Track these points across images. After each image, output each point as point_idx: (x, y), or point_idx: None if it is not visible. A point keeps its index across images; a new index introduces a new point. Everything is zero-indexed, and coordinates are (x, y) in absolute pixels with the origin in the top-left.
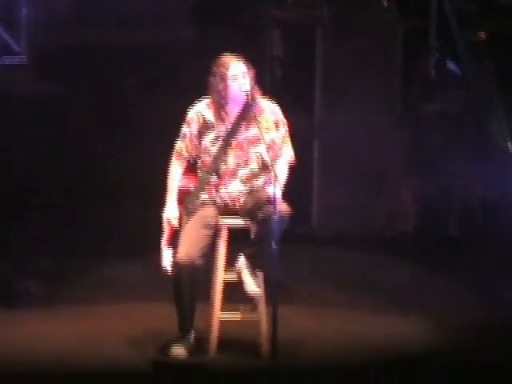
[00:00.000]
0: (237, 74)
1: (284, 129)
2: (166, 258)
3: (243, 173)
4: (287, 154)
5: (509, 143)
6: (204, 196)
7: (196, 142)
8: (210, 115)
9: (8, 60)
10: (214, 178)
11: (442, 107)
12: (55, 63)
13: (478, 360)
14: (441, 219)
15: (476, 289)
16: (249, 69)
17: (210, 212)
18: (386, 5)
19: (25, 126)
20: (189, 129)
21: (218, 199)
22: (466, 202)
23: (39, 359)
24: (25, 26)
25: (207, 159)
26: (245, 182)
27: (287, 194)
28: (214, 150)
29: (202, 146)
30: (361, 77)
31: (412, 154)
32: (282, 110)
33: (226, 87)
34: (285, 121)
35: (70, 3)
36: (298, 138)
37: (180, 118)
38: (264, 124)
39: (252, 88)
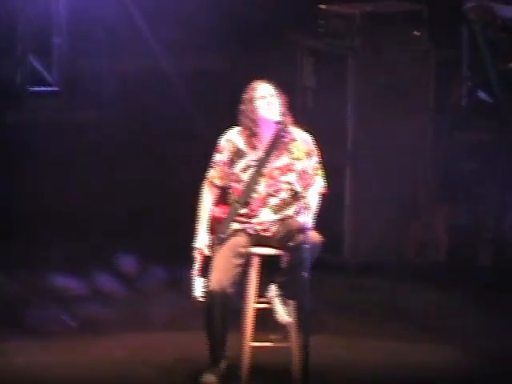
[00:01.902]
0: (264, 94)
1: (316, 158)
2: (198, 287)
3: (274, 202)
4: (319, 184)
5: None
6: (235, 224)
7: (227, 169)
8: (241, 143)
9: (41, 89)
10: (244, 207)
11: (475, 136)
12: (87, 91)
13: None
14: (472, 248)
15: (505, 318)
16: (279, 94)
17: (241, 241)
18: (418, 35)
19: (58, 154)
20: (220, 156)
21: (249, 228)
22: (499, 232)
23: None
24: (56, 55)
25: (238, 187)
26: (276, 211)
27: (319, 223)
28: (245, 177)
29: (233, 174)
30: (393, 107)
31: (445, 181)
32: (314, 140)
33: (254, 109)
34: (317, 151)
35: (102, 31)
36: (329, 167)
37: (213, 147)
38: (296, 153)
39: (283, 115)
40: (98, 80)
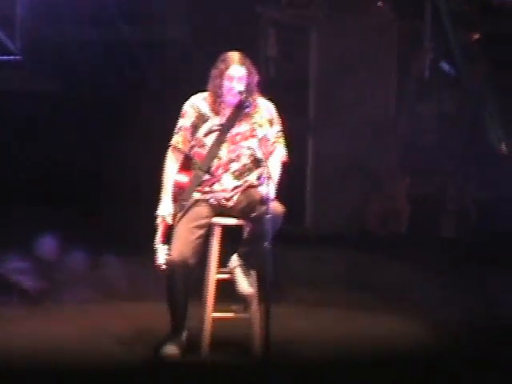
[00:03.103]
0: (233, 76)
1: (278, 127)
2: (161, 255)
3: (235, 167)
4: (280, 152)
5: (502, 142)
6: (197, 194)
7: (190, 135)
8: (205, 108)
9: (3, 59)
10: (207, 173)
11: (438, 107)
12: (51, 61)
13: (470, 360)
14: (434, 219)
15: (469, 288)
16: (251, 72)
17: (203, 211)
18: (382, 6)
19: (19, 124)
20: (184, 121)
21: (211, 197)
22: (460, 202)
23: (28, 357)
24: (20, 24)
25: (201, 152)
26: (237, 176)
27: (281, 194)
28: (207, 142)
29: (196, 139)
30: (355, 76)
31: (406, 153)
32: (276, 110)
33: (221, 85)
34: (279, 119)
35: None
36: (291, 136)
37: (177, 114)
38: (258, 120)
39: (250, 90)
40: (61, 49)
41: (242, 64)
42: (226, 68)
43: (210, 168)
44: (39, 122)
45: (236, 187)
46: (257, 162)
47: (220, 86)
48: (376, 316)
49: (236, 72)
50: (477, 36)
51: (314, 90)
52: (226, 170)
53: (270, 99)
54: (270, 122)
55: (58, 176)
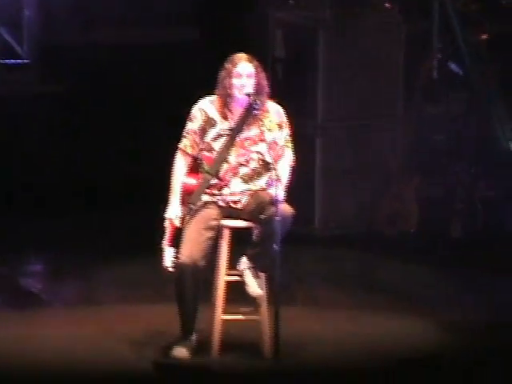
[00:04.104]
0: (242, 73)
1: (287, 131)
2: (168, 257)
3: (244, 171)
4: (289, 156)
5: (510, 143)
6: (206, 196)
7: (199, 138)
8: (213, 112)
9: (11, 62)
10: (216, 177)
11: (446, 107)
12: (58, 64)
13: (479, 360)
14: (443, 219)
15: (477, 289)
16: (259, 71)
17: (212, 213)
18: (388, 7)
19: (26, 127)
20: (192, 125)
21: (220, 200)
22: (468, 202)
23: (39, 360)
24: (27, 27)
25: (209, 156)
26: (246, 181)
27: (290, 195)
28: (216, 147)
29: (205, 143)
30: (363, 78)
31: (415, 154)
32: (285, 112)
33: (230, 84)
34: (288, 123)
35: (72, 3)
36: (299, 138)
37: (185, 117)
38: (267, 124)
39: (258, 90)
40: (68, 52)
41: (250, 62)
42: (234, 66)
43: (218, 172)
44: (48, 124)
45: (245, 191)
46: (266, 166)
47: (229, 86)
48: (387, 316)
49: (244, 69)
50: (485, 36)
51: (322, 91)
52: (235, 175)
53: (279, 101)
54: (280, 126)
55: (70, 178)
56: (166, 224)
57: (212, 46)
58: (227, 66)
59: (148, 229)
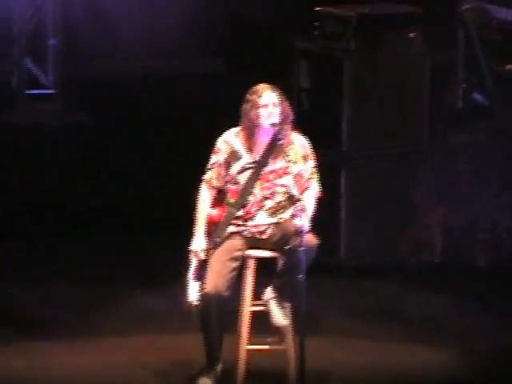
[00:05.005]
0: (267, 103)
1: (312, 163)
2: (193, 291)
3: (270, 205)
4: (315, 188)
5: None
6: (231, 227)
7: (224, 171)
8: (238, 144)
9: (36, 93)
10: (240, 211)
11: (470, 137)
12: (83, 95)
13: None
14: (468, 249)
15: (504, 319)
16: (283, 100)
17: (237, 243)
18: (414, 37)
19: (51, 157)
20: (217, 158)
21: (244, 231)
22: (493, 232)
23: None
24: (52, 57)
25: (234, 189)
26: (271, 214)
27: (315, 225)
28: (241, 180)
29: (230, 176)
30: (388, 107)
31: (440, 183)
32: (310, 142)
33: (255, 115)
34: (313, 154)
35: (97, 33)
36: (324, 168)
37: (211, 148)
38: (292, 156)
39: (283, 120)
40: (94, 82)
41: (274, 91)
42: (259, 96)
43: (243, 206)
44: (73, 154)
45: (270, 224)
46: (291, 200)
47: (256, 117)
48: (412, 347)
49: (270, 98)
50: (510, 66)
51: (346, 121)
52: (260, 208)
53: (303, 131)
54: (305, 158)
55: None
56: (191, 257)
57: (237, 76)
58: (251, 97)
59: (174, 257)
